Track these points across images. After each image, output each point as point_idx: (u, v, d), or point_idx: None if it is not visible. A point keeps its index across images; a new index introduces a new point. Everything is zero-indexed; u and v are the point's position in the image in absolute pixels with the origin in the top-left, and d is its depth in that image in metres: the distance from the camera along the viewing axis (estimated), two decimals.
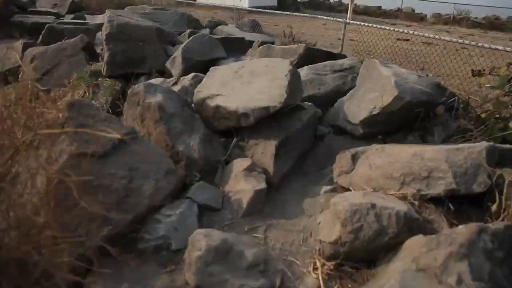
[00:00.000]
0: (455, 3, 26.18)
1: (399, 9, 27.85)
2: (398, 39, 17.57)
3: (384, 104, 3.05)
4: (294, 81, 3.27)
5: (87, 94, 4.62)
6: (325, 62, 4.35)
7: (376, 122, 3.18)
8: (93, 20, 7.91)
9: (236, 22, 12.54)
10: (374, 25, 8.31)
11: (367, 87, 3.40)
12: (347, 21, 8.70)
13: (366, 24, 8.17)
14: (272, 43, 6.36)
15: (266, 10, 13.35)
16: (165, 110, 3.12)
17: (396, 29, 7.29)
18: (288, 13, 10.61)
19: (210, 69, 3.85)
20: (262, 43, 5.11)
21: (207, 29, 6.61)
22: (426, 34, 6.75)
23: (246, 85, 3.30)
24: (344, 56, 5.19)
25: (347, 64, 4.26)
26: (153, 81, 4.30)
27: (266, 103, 2.98)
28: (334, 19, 9.60)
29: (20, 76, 5.50)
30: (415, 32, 7.88)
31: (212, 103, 3.25)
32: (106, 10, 7.34)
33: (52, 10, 8.69)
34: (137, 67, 4.77)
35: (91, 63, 5.23)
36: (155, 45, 4.89)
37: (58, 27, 6.14)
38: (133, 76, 4.80)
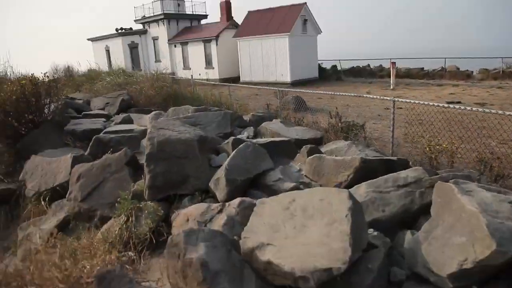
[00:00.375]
0: (502, 57, 25.15)
1: (443, 69, 27.09)
2: (448, 102, 16.76)
3: (478, 257, 2.37)
4: (357, 222, 2.70)
5: (129, 220, 4.29)
6: (386, 176, 3.75)
7: (469, 274, 2.49)
8: (139, 121, 7.91)
9: (280, 100, 12.33)
10: (422, 102, 7.65)
11: (447, 223, 2.74)
12: (396, 99, 8.12)
13: (416, 102, 7.52)
14: (321, 139, 5.88)
15: (307, 91, 13.09)
16: (209, 268, 2.63)
17: (442, 105, 6.62)
18: (331, 93, 10.24)
19: (257, 202, 3.38)
20: (311, 150, 4.61)
21: (251, 128, 6.29)
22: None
23: (300, 230, 2.77)
24: (405, 163, 4.53)
25: (412, 177, 3.64)
26: (194, 208, 3.89)
27: (328, 264, 2.40)
28: (381, 97, 9.07)
29: (67, 195, 5.36)
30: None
31: (262, 256, 2.72)
32: (149, 122, 7.31)
33: (102, 112, 8.90)
34: (179, 188, 4.42)
35: (134, 180, 4.97)
36: (197, 160, 4.56)
37: (105, 138, 6.09)
38: (176, 198, 4.45)
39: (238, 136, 5.83)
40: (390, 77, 24.54)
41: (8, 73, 22.04)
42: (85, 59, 39.78)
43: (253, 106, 17.00)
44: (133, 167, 5.20)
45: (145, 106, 10.75)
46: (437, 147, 7.11)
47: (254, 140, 5.00)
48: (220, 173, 4.21)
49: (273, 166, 4.64)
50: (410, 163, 6.66)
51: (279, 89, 12.62)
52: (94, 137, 6.08)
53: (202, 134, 5.09)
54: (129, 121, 7.51)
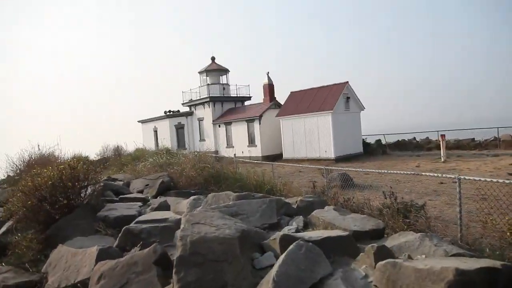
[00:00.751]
0: None
1: (496, 138, 25.24)
2: (511, 174, 15.04)
3: None
4: None
5: None
6: None
7: None
8: (176, 207, 7.13)
9: (326, 178, 11.34)
10: (490, 180, 6.42)
11: None
12: (461, 176, 6.93)
13: (483, 179, 6.32)
14: (383, 230, 4.73)
15: (351, 169, 12.03)
16: None
17: None
18: (381, 171, 9.20)
19: None
20: (379, 251, 3.52)
21: (300, 217, 5.26)
22: None
23: None
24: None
25: None
26: None
27: None
28: (444, 175, 7.90)
29: None
30: None
31: None
32: (186, 208, 6.50)
33: (140, 196, 8.25)
34: None
35: (163, 284, 4.03)
36: (238, 263, 3.60)
37: (135, 228, 5.29)
38: None
39: (286, 228, 4.83)
40: (438, 149, 23.17)
41: (56, 154, 22.64)
42: (133, 139, 41.14)
43: (297, 183, 16.00)
44: (163, 266, 4.29)
45: (185, 188, 10.07)
46: None
47: (307, 236, 3.99)
48: (267, 286, 3.19)
49: (331, 270, 3.57)
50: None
51: (325, 167, 11.69)
52: (124, 228, 5.30)
53: (244, 229, 4.16)
54: (165, 207, 6.76)
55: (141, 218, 5.81)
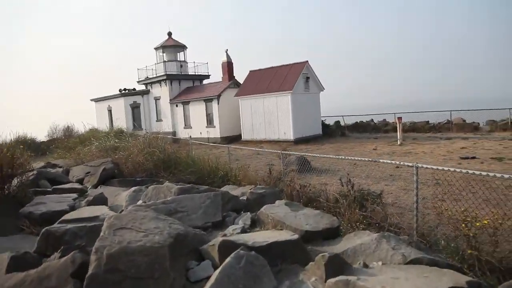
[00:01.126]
0: (510, 108, 23.94)
1: (449, 121, 25.85)
2: (463, 158, 15.28)
3: None
4: None
5: None
6: None
7: None
8: (115, 199, 6.38)
9: (283, 163, 10.90)
10: (447, 169, 6.20)
11: None
12: (419, 165, 6.64)
13: (441, 168, 6.07)
14: (337, 229, 4.25)
15: (311, 154, 11.77)
16: None
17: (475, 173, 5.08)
18: (339, 157, 8.83)
19: None
20: (331, 262, 2.97)
21: (248, 214, 4.66)
22: None
23: None
24: None
25: None
26: None
27: None
28: (402, 163, 7.62)
29: None
30: None
31: None
32: (104, 225, 5.74)
33: (76, 186, 7.39)
34: None
35: None
36: (167, 279, 2.96)
37: (58, 230, 4.51)
38: None
39: (231, 228, 4.24)
40: (395, 131, 23.37)
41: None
42: (86, 119, 38.88)
43: (254, 166, 15.46)
44: (83, 279, 3.61)
45: (132, 175, 9.28)
46: (477, 224, 5.46)
47: (251, 241, 3.41)
48: None
49: (276, 285, 3.03)
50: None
51: (282, 151, 11.20)
52: (44, 229, 4.53)
53: (180, 232, 3.53)
54: (101, 200, 5.99)
55: (67, 216, 5.04)
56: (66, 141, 17.24)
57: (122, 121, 31.07)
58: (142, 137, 11.34)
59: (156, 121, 31.33)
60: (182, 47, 31.06)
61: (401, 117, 21.61)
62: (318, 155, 10.00)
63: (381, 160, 7.76)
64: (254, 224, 4.71)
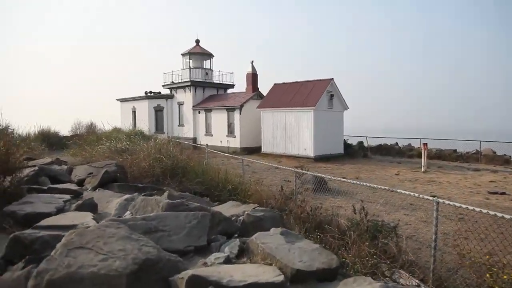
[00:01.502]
0: None
1: (478, 152, 24.54)
2: (491, 193, 14.22)
3: None
4: None
5: None
6: None
7: None
8: (105, 206, 5.93)
9: (295, 181, 10.30)
10: (472, 208, 5.48)
11: None
12: (439, 200, 5.93)
13: (464, 207, 5.38)
14: (336, 270, 3.59)
15: (328, 177, 10.98)
16: None
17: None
18: (358, 183, 8.15)
19: None
20: None
21: (236, 242, 4.01)
22: None
23: None
24: None
25: None
26: None
27: None
28: (422, 196, 6.89)
29: None
30: None
31: None
32: (60, 244, 5.25)
33: (72, 187, 6.99)
34: None
35: None
36: None
37: (28, 236, 4.07)
38: None
39: (212, 256, 3.65)
40: (419, 157, 22.36)
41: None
42: (111, 118, 39.22)
43: (269, 181, 14.91)
44: None
45: (137, 180, 8.87)
46: (504, 277, 4.72)
47: (225, 280, 2.84)
48: None
49: None
50: None
51: (296, 169, 10.60)
52: (12, 235, 4.10)
53: (149, 257, 3.01)
54: (90, 206, 5.56)
55: (44, 221, 4.61)
56: (84, 138, 17.12)
57: (145, 123, 31.12)
58: (152, 141, 10.97)
59: (178, 125, 31.25)
60: (209, 55, 31.01)
61: (426, 143, 20.64)
62: (332, 177, 9.34)
63: (399, 190, 7.05)
64: (242, 253, 4.12)
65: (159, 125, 31.59)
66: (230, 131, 27.17)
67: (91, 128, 26.01)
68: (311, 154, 22.42)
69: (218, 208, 7.23)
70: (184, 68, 30.81)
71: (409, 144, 28.17)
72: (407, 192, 6.98)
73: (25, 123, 21.33)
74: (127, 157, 9.46)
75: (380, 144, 28.62)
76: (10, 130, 16.29)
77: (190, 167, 10.35)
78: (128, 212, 5.09)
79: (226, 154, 17.88)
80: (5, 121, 16.35)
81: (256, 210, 5.10)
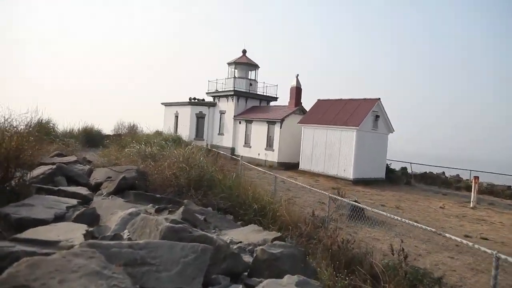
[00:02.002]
0: None
1: None
2: None
3: None
4: None
5: None
6: None
7: None
8: (109, 218, 5.25)
9: (328, 207, 9.33)
10: None
11: None
12: (501, 255, 4.75)
13: None
14: None
15: (366, 207, 9.94)
16: None
17: None
18: (399, 219, 7.11)
19: None
20: None
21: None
22: None
23: None
24: None
25: None
26: None
27: None
28: (477, 246, 5.71)
29: None
30: None
31: None
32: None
33: (82, 192, 6.39)
34: None
35: None
36: None
37: (1, 250, 3.44)
38: None
39: None
40: (468, 190, 20.53)
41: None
42: (154, 121, 39.41)
43: (302, 202, 13.93)
44: None
45: (157, 189, 8.22)
46: None
47: None
48: None
49: None
50: None
51: (330, 195, 9.59)
52: None
53: None
54: (89, 217, 4.91)
55: (26, 233, 3.95)
56: (122, 138, 16.95)
57: (186, 128, 31.09)
58: (183, 148, 10.36)
59: (218, 134, 30.93)
60: (255, 66, 30.58)
61: (478, 177, 18.76)
62: (370, 208, 8.27)
63: (447, 235, 5.87)
64: None
65: (199, 131, 31.43)
66: (269, 145, 26.40)
67: (132, 129, 26.11)
68: (350, 176, 21.15)
69: (237, 232, 6.39)
70: (229, 77, 30.54)
71: (457, 175, 26.06)
72: (458, 239, 5.82)
73: (70, 119, 21.64)
74: (150, 163, 8.88)
75: (425, 172, 26.74)
76: (51, 124, 16.40)
77: (218, 179, 9.59)
78: (126, 231, 4.36)
79: (260, 169, 17.04)
80: (48, 115, 16.49)
81: (274, 245, 4.21)
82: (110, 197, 6.85)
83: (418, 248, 9.51)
